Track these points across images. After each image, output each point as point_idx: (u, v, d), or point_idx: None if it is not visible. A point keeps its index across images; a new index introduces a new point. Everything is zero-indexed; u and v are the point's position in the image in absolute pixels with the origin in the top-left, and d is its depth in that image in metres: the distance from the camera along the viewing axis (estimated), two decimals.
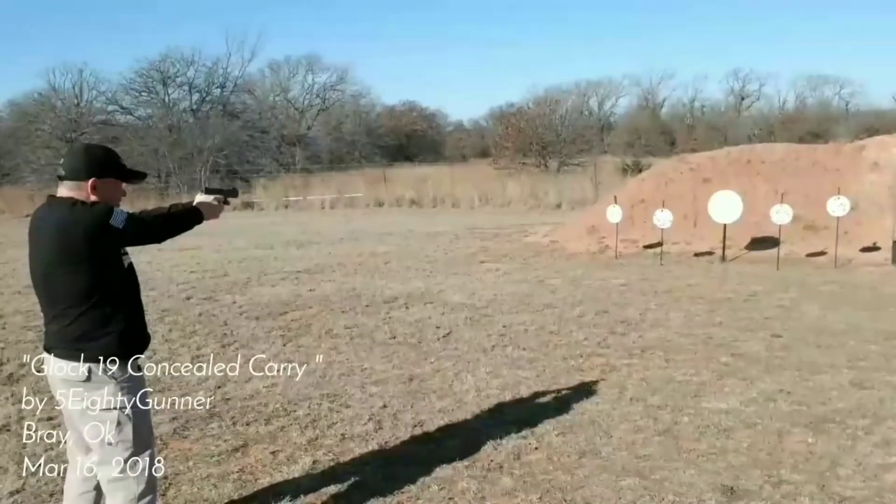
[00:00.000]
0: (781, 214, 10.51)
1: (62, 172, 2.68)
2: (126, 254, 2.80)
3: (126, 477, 2.75)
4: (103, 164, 2.72)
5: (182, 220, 2.90)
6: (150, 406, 2.97)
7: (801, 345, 6.26)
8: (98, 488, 2.94)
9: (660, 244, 11.68)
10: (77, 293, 2.63)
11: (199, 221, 2.97)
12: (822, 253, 10.88)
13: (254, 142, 40.53)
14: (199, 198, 3.06)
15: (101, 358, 2.66)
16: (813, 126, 51.46)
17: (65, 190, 2.68)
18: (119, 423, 2.71)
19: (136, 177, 2.92)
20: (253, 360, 6.10)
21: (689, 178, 13.19)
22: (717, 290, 8.78)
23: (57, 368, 2.72)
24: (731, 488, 3.60)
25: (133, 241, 2.75)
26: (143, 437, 2.80)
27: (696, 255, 11.52)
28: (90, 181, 2.66)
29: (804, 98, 65.09)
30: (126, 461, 2.74)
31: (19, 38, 79.61)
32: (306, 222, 19.88)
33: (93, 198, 2.66)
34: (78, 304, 2.64)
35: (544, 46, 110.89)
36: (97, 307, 2.65)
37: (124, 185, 2.83)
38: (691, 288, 8.99)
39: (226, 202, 3.12)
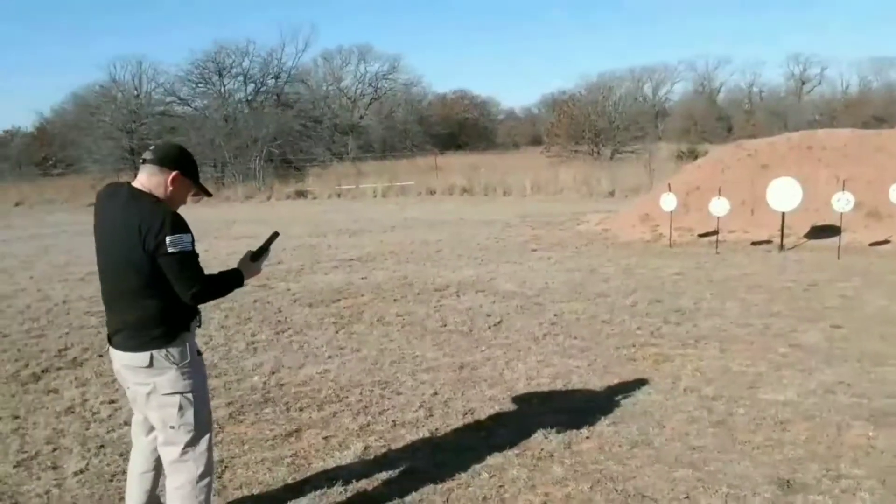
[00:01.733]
0: (843, 202, 10.19)
1: (150, 156, 2.77)
2: None
3: (187, 459, 2.83)
4: (191, 165, 2.84)
5: (228, 285, 2.88)
6: (209, 390, 3.05)
7: (864, 335, 6.08)
8: (157, 468, 3.04)
9: (715, 232, 11.45)
10: (138, 285, 2.69)
11: (241, 284, 2.96)
12: (885, 241, 10.54)
13: (307, 131, 41.00)
14: (245, 265, 3.02)
15: (163, 344, 2.73)
16: (878, 110, 49.84)
17: (144, 176, 2.75)
18: (181, 408, 2.79)
19: (205, 190, 2.99)
20: (306, 346, 6.20)
21: (747, 164, 12.89)
22: (776, 280, 8.57)
23: (120, 355, 2.79)
24: (788, 481, 3.52)
25: (170, 267, 2.65)
26: (203, 420, 2.88)
27: (754, 243, 11.26)
28: (174, 172, 2.75)
29: (868, 81, 63.11)
30: (188, 444, 2.82)
31: (83, 31, 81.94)
32: (358, 210, 20.05)
33: (169, 190, 2.75)
34: (139, 296, 2.70)
35: (597, 32, 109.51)
36: (157, 299, 2.70)
37: (192, 193, 2.91)
38: (748, 277, 8.79)
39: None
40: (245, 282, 2.98)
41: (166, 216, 2.64)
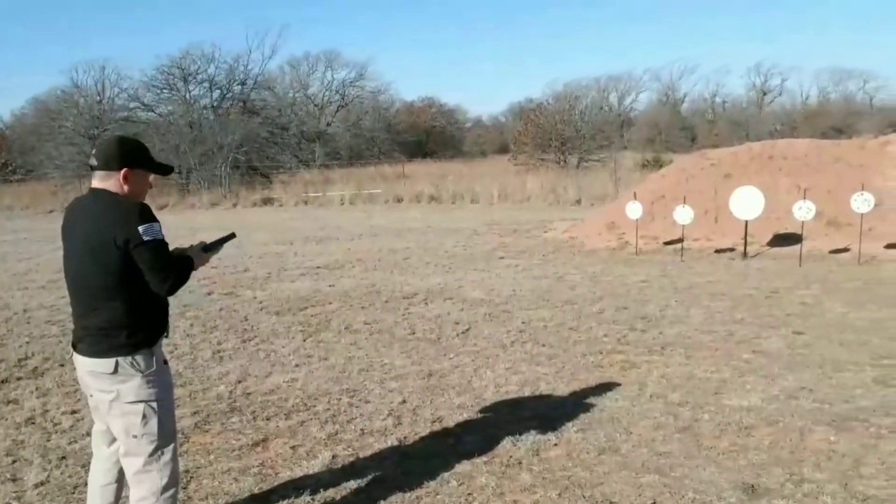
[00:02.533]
0: (804, 210, 10.39)
1: (94, 162, 2.72)
2: None
3: (151, 470, 2.78)
4: (135, 154, 2.77)
5: (187, 273, 2.84)
6: (174, 399, 3.00)
7: (824, 342, 6.20)
8: (119, 480, 2.98)
9: (680, 240, 11.60)
10: (107, 286, 2.66)
11: (193, 270, 2.92)
12: (845, 249, 10.76)
13: (273, 138, 40.65)
14: (196, 254, 3.00)
15: (129, 351, 2.69)
16: (836, 121, 50.98)
17: (98, 181, 2.72)
18: (145, 416, 2.74)
19: (164, 169, 2.94)
20: (273, 355, 6.15)
21: (710, 173, 13.09)
22: (739, 287, 8.71)
23: (84, 361, 2.74)
24: (753, 486, 3.57)
25: (143, 257, 2.63)
26: (167, 430, 2.83)
27: (718, 251, 11.43)
28: (122, 171, 2.70)
29: (827, 92, 64.64)
30: (151, 454, 2.77)
31: (43, 35, 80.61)
32: (325, 218, 19.94)
33: (125, 188, 2.70)
34: (108, 298, 2.67)
35: (564, 41, 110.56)
36: (126, 301, 2.68)
37: (152, 177, 2.87)
38: (712, 284, 8.92)
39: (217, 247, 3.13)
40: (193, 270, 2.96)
41: (133, 208, 2.64)
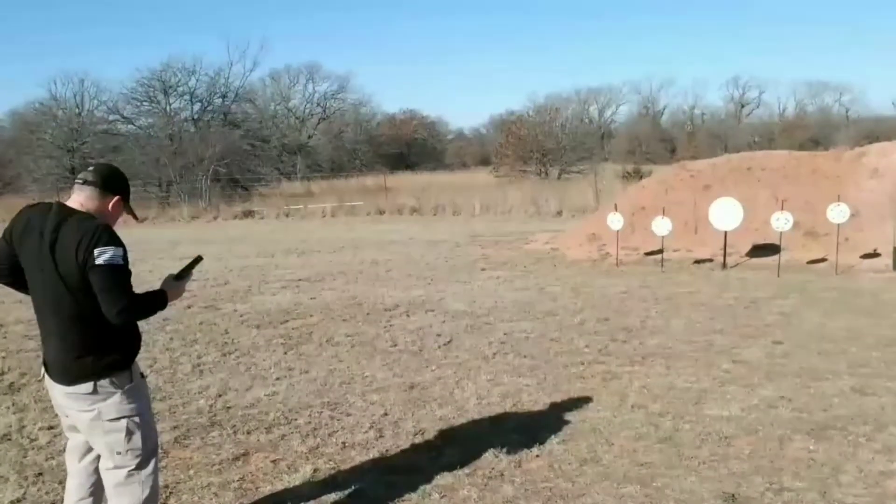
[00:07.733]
0: (782, 221, 10.50)
1: (91, 178, 2.67)
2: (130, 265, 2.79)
3: (132, 483, 2.75)
4: (128, 188, 2.80)
5: (154, 305, 2.76)
6: (153, 412, 2.98)
7: (802, 351, 6.25)
8: (94, 494, 2.94)
9: (660, 251, 11.68)
10: (80, 306, 2.59)
11: (164, 306, 2.83)
12: (822, 260, 10.88)
13: (255, 151, 40.62)
14: (168, 284, 2.94)
15: (106, 373, 2.65)
16: (813, 133, 51.68)
17: (83, 197, 2.66)
18: (129, 432, 2.71)
19: (133, 213, 2.89)
20: (253, 368, 6.11)
21: (690, 185, 13.20)
22: (718, 297, 8.77)
23: (59, 385, 2.70)
24: (733, 495, 3.59)
25: (96, 280, 2.54)
26: (151, 443, 2.82)
27: (697, 262, 11.52)
28: (117, 197, 2.71)
29: (804, 105, 65.47)
30: (134, 468, 2.75)
31: (21, 47, 79.97)
32: (307, 231, 19.88)
33: (109, 213, 2.69)
34: (80, 320, 2.62)
35: (545, 54, 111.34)
36: (100, 323, 2.60)
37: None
38: (692, 295, 8.98)
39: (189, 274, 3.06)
40: (168, 303, 2.85)
41: (98, 228, 2.54)
